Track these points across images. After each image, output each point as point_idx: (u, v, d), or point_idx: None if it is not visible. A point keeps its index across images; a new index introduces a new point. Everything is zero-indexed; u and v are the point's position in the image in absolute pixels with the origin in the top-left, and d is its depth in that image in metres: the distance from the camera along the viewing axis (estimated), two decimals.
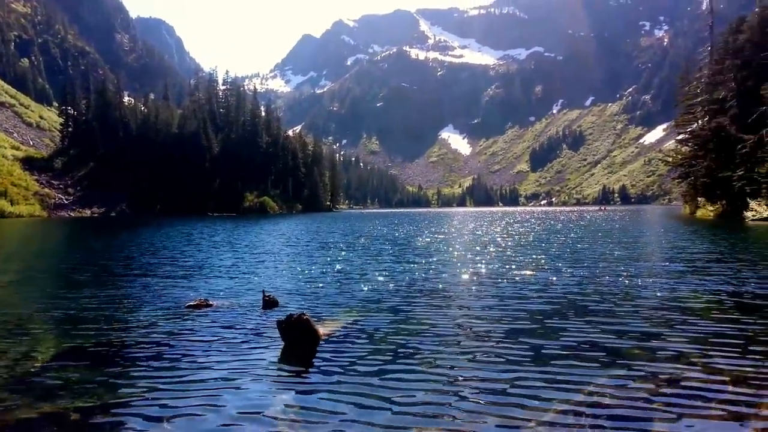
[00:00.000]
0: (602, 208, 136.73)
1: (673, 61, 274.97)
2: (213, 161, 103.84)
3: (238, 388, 5.00)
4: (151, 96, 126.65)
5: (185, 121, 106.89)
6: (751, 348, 5.90)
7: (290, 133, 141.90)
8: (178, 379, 5.28)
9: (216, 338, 6.92)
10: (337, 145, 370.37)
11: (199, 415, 4.40)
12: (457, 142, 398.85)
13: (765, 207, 38.26)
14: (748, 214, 40.21)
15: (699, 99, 54.51)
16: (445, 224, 45.12)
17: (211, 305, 9.13)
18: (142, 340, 6.87)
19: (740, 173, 41.85)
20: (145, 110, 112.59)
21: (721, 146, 46.20)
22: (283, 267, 14.67)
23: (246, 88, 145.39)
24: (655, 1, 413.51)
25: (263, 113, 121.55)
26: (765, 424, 3.94)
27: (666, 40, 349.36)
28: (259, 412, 4.43)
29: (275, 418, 4.31)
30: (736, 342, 6.14)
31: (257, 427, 4.17)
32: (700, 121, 54.45)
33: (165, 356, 6.11)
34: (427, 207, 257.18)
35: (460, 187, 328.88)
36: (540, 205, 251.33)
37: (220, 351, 6.32)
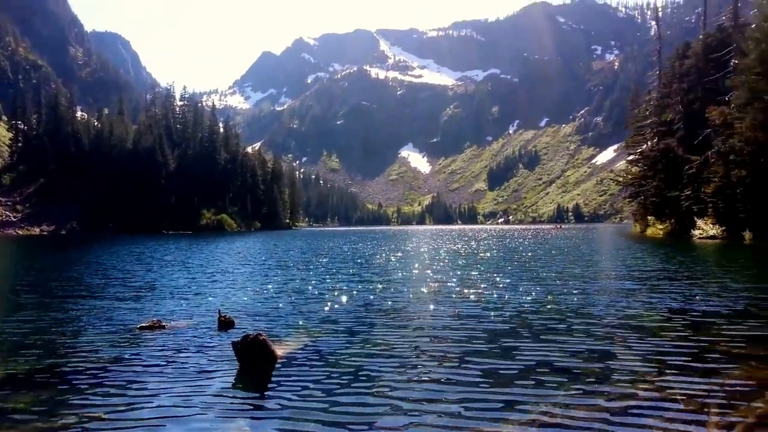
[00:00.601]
0: (558, 226, 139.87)
1: (623, 84, 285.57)
2: (169, 178, 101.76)
3: (189, 416, 4.80)
4: (106, 111, 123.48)
5: (140, 137, 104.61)
6: (699, 365, 6.06)
7: (249, 150, 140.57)
8: (124, 407, 5.04)
9: (168, 361, 6.68)
10: (297, 162, 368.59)
11: None
12: (416, 160, 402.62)
13: (711, 225, 39.81)
14: (696, 232, 41.77)
15: (648, 121, 56.68)
16: (404, 242, 45.25)
17: (164, 326, 8.86)
18: (88, 365, 6.56)
19: (688, 193, 43.51)
20: (99, 125, 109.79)
21: (670, 167, 48.02)
22: (239, 287, 14.36)
23: (204, 104, 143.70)
24: (606, 27, 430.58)
25: (221, 129, 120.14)
26: None
27: (617, 64, 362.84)
28: None
29: None
30: (686, 360, 6.30)
31: None
32: (649, 143, 56.58)
33: (111, 382, 5.84)
34: (387, 225, 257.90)
35: (419, 205, 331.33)
36: (498, 223, 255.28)
37: (172, 375, 6.09)
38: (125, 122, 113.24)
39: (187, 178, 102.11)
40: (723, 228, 38.03)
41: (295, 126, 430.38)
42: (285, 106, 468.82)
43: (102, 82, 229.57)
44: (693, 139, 42.81)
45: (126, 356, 6.98)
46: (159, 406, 5.07)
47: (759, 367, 5.87)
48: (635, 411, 4.61)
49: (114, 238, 57.08)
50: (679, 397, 4.88)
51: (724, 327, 8.15)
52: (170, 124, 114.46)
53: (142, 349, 7.32)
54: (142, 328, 8.76)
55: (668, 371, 5.79)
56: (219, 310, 9.32)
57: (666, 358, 6.36)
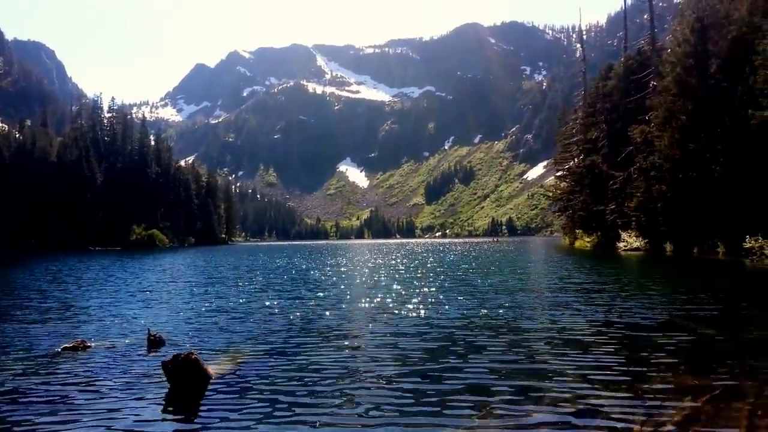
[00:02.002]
0: (496, 239, 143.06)
1: (551, 103, 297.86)
2: (96, 192, 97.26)
3: None
4: (28, 122, 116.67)
5: (66, 150, 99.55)
6: (626, 373, 6.32)
7: (183, 163, 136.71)
8: None
9: (94, 383, 6.33)
10: (233, 176, 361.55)
11: None
12: (354, 175, 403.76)
13: (635, 238, 41.93)
14: (621, 244, 43.86)
15: (575, 139, 59.34)
16: (342, 257, 45.07)
17: (89, 347, 8.42)
18: (6, 389, 6.10)
19: (612, 207, 45.70)
20: (21, 137, 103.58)
21: (595, 182, 50.34)
22: (168, 305, 13.83)
23: (134, 116, 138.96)
24: (535, 48, 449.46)
25: (153, 142, 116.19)
26: None
27: (545, 84, 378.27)
28: None
29: None
30: (613, 368, 6.55)
31: None
32: (576, 159, 59.19)
33: (33, 405, 5.47)
34: (325, 239, 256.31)
35: (358, 219, 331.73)
36: (435, 237, 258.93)
37: (99, 396, 5.77)
38: (49, 134, 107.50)
39: (115, 192, 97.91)
40: (646, 240, 40.12)
41: (230, 140, 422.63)
42: (220, 120, 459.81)
43: (24, 92, 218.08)
44: (616, 156, 45.05)
45: (48, 379, 6.56)
46: (85, 430, 4.77)
47: (680, 373, 6.18)
48: (564, 419, 4.73)
49: (35, 255, 53.77)
50: (606, 405, 5.05)
51: (648, 336, 8.55)
52: (98, 137, 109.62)
53: (66, 371, 6.91)
54: (65, 348, 8.28)
55: (596, 380, 5.99)
56: (148, 329, 8.94)
57: (594, 366, 6.58)
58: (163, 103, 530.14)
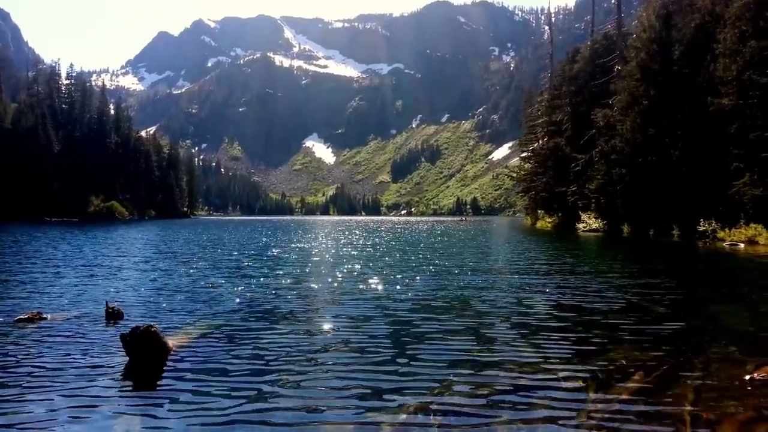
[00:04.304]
0: (462, 218, 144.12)
1: (518, 84, 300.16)
2: (53, 161, 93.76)
3: (74, 414, 4.43)
4: None
5: (21, 117, 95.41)
6: (582, 350, 6.50)
7: (143, 134, 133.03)
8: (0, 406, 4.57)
9: (50, 355, 6.18)
10: (196, 149, 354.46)
11: None
12: (321, 151, 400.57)
13: (594, 219, 42.97)
14: (580, 225, 44.89)
15: (540, 121, 60.05)
16: (307, 233, 44.90)
17: (45, 318, 8.19)
18: None
19: (573, 189, 46.64)
20: None
21: (558, 164, 51.20)
22: (126, 278, 13.56)
23: (93, 83, 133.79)
24: (504, 29, 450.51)
25: (112, 111, 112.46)
26: (584, 422, 4.29)
27: (513, 65, 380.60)
28: None
29: None
30: (569, 345, 6.73)
31: None
32: (540, 141, 60.00)
33: None
34: (290, 215, 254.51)
35: (323, 195, 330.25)
36: (401, 215, 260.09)
37: (55, 369, 5.62)
38: (3, 100, 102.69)
39: (73, 162, 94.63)
40: (604, 222, 41.16)
41: (194, 111, 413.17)
42: (183, 90, 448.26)
43: None
44: (580, 138, 45.81)
45: (2, 351, 6.36)
46: (41, 403, 4.66)
47: (632, 350, 6.39)
48: (520, 394, 4.84)
49: None
50: (561, 380, 5.19)
51: (603, 315, 8.80)
52: (55, 104, 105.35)
53: (21, 343, 6.71)
54: (20, 320, 8.04)
55: (552, 356, 6.14)
56: (106, 302, 8.74)
57: (549, 343, 6.74)
58: (123, 71, 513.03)
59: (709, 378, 5.26)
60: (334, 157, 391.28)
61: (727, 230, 27.99)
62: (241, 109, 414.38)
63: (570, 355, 6.14)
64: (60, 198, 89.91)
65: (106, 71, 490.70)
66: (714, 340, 6.91)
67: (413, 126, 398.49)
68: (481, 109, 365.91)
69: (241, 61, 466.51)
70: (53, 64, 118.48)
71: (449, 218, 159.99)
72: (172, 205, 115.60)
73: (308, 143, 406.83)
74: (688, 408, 4.42)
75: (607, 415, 4.30)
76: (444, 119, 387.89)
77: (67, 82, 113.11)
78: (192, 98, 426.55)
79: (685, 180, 30.89)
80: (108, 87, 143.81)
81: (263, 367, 5.68)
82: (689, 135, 31.01)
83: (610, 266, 17.05)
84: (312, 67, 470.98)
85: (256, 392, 4.89)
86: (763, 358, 5.85)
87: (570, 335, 7.15)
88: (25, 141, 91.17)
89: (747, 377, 5.10)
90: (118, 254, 20.94)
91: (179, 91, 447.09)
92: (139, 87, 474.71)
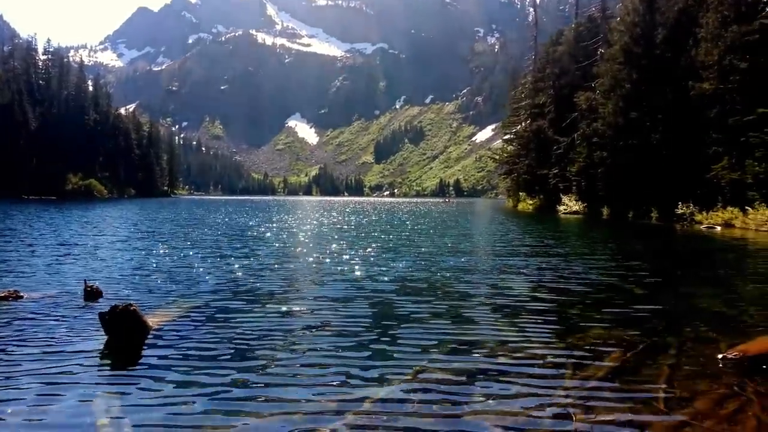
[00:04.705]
0: (448, 200, 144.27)
1: (503, 66, 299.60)
2: (30, 138, 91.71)
3: (51, 393, 4.36)
4: None
5: None
6: (560, 330, 6.58)
7: (123, 111, 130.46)
8: None
9: (28, 334, 6.09)
10: (177, 127, 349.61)
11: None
12: (304, 131, 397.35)
13: (574, 202, 43.37)
14: (561, 207, 45.29)
15: (523, 103, 60.08)
16: (289, 213, 44.71)
17: (22, 297, 8.06)
18: None
19: (555, 171, 46.95)
20: None
21: (540, 147, 51.43)
22: (104, 256, 13.38)
23: (71, 59, 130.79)
24: (488, 10, 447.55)
25: (91, 88, 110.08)
26: (561, 399, 4.34)
27: (497, 46, 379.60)
28: (76, 417, 3.91)
29: (94, 422, 3.83)
30: (548, 326, 6.81)
31: (77, 428, 3.67)
32: (523, 123, 60.08)
33: None
34: (273, 195, 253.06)
35: (306, 176, 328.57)
36: (383, 196, 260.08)
37: (32, 348, 5.54)
38: None
39: (51, 139, 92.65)
40: (584, 204, 41.57)
41: (174, 89, 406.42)
42: (163, 67, 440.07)
43: None
44: (562, 121, 46.00)
45: None
46: (16, 382, 4.57)
47: (610, 329, 6.47)
48: (499, 373, 4.87)
49: None
50: (540, 360, 5.24)
51: (583, 295, 8.91)
52: (32, 80, 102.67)
53: None
54: None
55: (532, 335, 6.21)
56: (85, 280, 8.62)
57: (530, 322, 6.81)
58: (102, 47, 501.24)
59: (683, 357, 5.35)
60: (318, 138, 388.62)
61: (704, 213, 28.45)
62: (222, 87, 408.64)
63: (549, 335, 6.20)
64: (37, 176, 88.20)
65: (84, 47, 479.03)
66: (689, 320, 7.03)
67: (397, 107, 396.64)
68: (464, 91, 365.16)
69: (223, 38, 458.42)
70: (30, 39, 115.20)
71: (432, 200, 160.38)
72: (152, 183, 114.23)
73: (291, 123, 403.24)
74: (663, 386, 4.49)
75: (583, 393, 4.35)
76: (428, 100, 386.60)
77: (44, 57, 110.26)
78: (172, 76, 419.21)
79: (664, 164, 31.22)
80: (86, 63, 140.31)
81: (243, 347, 5.65)
82: (670, 119, 31.28)
83: (589, 248, 17.24)
84: (295, 46, 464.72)
85: (236, 372, 4.86)
86: (735, 337, 5.96)
87: (549, 316, 7.22)
88: (0, 117, 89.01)
89: (720, 356, 5.20)
90: (96, 233, 20.64)
91: (159, 68, 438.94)
92: (118, 63, 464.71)
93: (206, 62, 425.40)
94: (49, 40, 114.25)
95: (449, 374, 4.80)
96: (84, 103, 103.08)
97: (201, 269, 11.34)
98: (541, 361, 5.18)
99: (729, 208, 26.94)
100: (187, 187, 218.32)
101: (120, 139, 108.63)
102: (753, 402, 4.14)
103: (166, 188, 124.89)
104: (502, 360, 5.20)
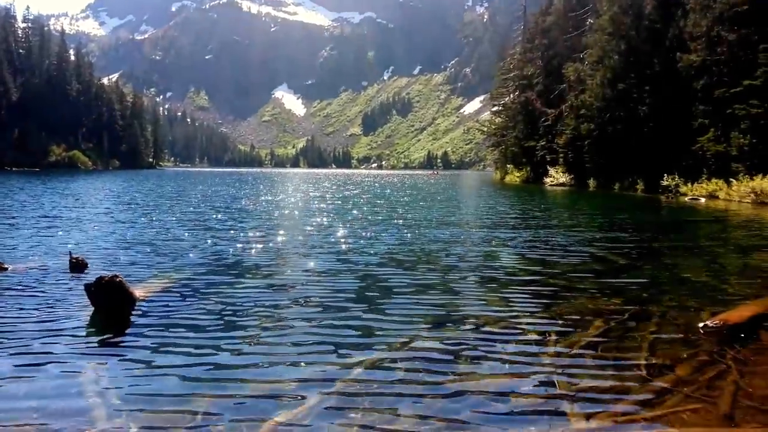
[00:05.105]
0: (435, 172, 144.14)
1: (491, 37, 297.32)
2: (11, 109, 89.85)
3: (37, 363, 4.34)
4: None
5: None
6: (544, 301, 6.66)
7: (105, 81, 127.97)
8: None
9: (11, 306, 6.01)
10: (161, 97, 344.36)
11: None
12: (291, 102, 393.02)
13: (561, 174, 43.52)
14: (548, 180, 45.47)
15: (512, 74, 59.57)
16: (275, 186, 44.49)
17: (5, 268, 7.95)
18: None
19: (543, 143, 46.97)
20: None
21: (528, 118, 51.31)
22: (90, 229, 13.25)
23: (52, 27, 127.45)
24: None
25: (72, 57, 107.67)
26: (545, 368, 4.41)
27: (486, 17, 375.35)
28: (64, 389, 3.89)
29: (82, 393, 3.81)
30: (533, 297, 6.88)
31: (62, 403, 3.64)
32: (511, 95, 59.73)
33: None
34: (259, 167, 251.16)
35: (293, 148, 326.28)
36: (371, 168, 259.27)
37: (16, 320, 5.48)
38: None
39: (32, 109, 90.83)
40: (571, 176, 41.74)
41: (158, 58, 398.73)
42: (146, 36, 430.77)
43: None
44: (550, 93, 45.84)
45: None
46: (2, 353, 4.55)
47: (594, 299, 6.55)
48: (484, 345, 4.91)
49: None
50: (525, 331, 5.28)
51: (568, 266, 8.98)
52: (11, 49, 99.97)
53: None
54: None
55: (517, 305, 6.27)
56: (70, 252, 8.51)
57: (516, 293, 6.88)
58: (83, 15, 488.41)
59: (665, 326, 5.44)
60: (305, 109, 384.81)
61: (689, 185, 28.72)
62: (207, 57, 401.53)
63: (534, 306, 6.26)
64: (19, 147, 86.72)
65: (65, 15, 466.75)
66: (672, 290, 7.13)
67: (385, 78, 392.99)
68: (453, 62, 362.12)
69: (207, 6, 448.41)
70: (8, 6, 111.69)
71: (420, 172, 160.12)
72: (136, 155, 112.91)
73: (278, 94, 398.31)
74: (645, 353, 4.56)
75: (567, 361, 4.41)
76: (416, 71, 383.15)
77: (24, 25, 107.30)
78: (156, 45, 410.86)
79: (651, 135, 31.34)
80: (67, 32, 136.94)
81: (231, 319, 5.64)
82: (658, 91, 31.29)
83: (575, 220, 17.36)
84: (281, 14, 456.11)
85: (223, 343, 4.86)
86: (717, 306, 6.06)
87: (535, 287, 7.29)
88: None
89: (701, 325, 5.28)
90: (79, 205, 20.41)
91: (142, 37, 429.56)
92: (100, 32, 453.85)
93: (190, 31, 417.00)
94: (28, 8, 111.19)
95: (436, 345, 4.84)
96: (66, 73, 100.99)
97: (187, 242, 11.27)
98: (526, 331, 5.24)
99: (713, 180, 27.20)
100: (172, 159, 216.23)
101: (103, 109, 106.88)
102: (731, 369, 4.23)
103: (151, 160, 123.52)
104: (487, 330, 5.25)
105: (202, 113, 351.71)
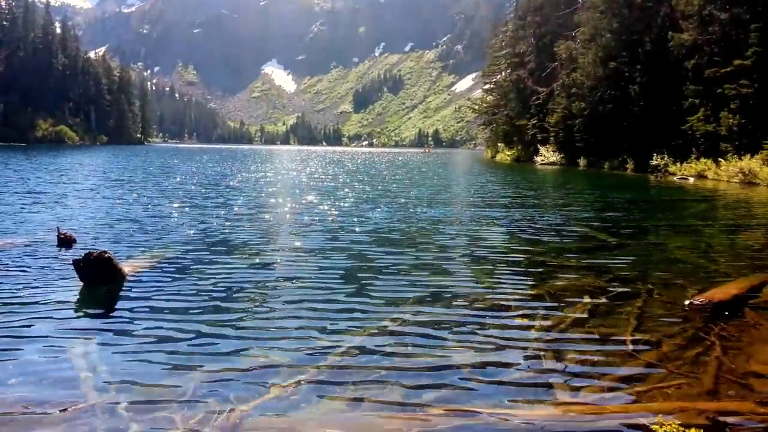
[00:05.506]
0: (427, 149, 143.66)
1: (484, 14, 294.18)
2: None
3: (26, 337, 4.33)
4: None
5: None
6: (531, 280, 6.72)
7: (92, 55, 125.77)
8: None
9: (1, 281, 5.94)
10: (149, 72, 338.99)
11: None
12: (281, 78, 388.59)
13: (552, 153, 43.55)
14: (538, 158, 45.50)
15: (503, 52, 59.13)
16: (265, 163, 44.21)
17: None
18: None
19: (534, 122, 46.88)
20: None
21: (520, 97, 51.13)
22: (77, 205, 13.13)
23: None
24: None
25: (58, 30, 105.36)
26: (534, 344, 4.46)
27: None
28: (54, 364, 3.88)
29: (71, 367, 3.81)
30: (520, 275, 6.94)
31: (51, 377, 3.64)
32: (503, 73, 59.37)
33: None
34: (249, 144, 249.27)
35: (284, 124, 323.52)
36: (362, 146, 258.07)
37: (5, 297, 5.44)
38: None
39: (17, 83, 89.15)
40: (562, 155, 41.79)
41: (145, 32, 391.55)
42: (133, 9, 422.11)
43: None
44: (542, 71, 45.63)
45: None
46: None
47: (581, 277, 6.60)
48: (475, 315, 4.98)
49: None
50: (513, 308, 5.32)
51: (557, 244, 9.06)
52: None
53: None
54: None
55: (506, 282, 6.33)
56: (57, 228, 8.43)
57: (505, 271, 6.93)
58: None
59: (652, 303, 5.50)
60: (295, 85, 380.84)
61: (678, 165, 28.87)
62: (195, 31, 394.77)
63: (523, 284, 6.31)
64: (4, 122, 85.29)
65: None
66: (659, 268, 7.20)
67: (376, 54, 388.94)
68: (444, 39, 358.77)
69: None
70: None
71: (411, 150, 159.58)
72: (124, 131, 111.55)
73: (267, 69, 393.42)
74: (631, 330, 4.62)
75: (555, 337, 4.46)
76: (408, 48, 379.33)
77: None
78: (143, 18, 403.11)
79: (641, 115, 31.37)
80: (52, 4, 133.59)
81: (220, 296, 5.62)
82: (649, 70, 31.23)
83: (565, 199, 17.44)
84: None
85: (212, 320, 4.86)
86: (703, 285, 6.14)
87: (524, 266, 7.34)
88: None
89: (687, 302, 5.35)
90: (66, 181, 20.18)
91: (129, 10, 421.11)
92: (86, 5, 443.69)
93: (178, 4, 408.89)
94: None
95: (425, 320, 4.87)
96: (52, 47, 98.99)
97: (176, 219, 11.20)
98: (514, 308, 5.29)
99: (702, 160, 27.35)
100: (161, 135, 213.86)
101: (90, 84, 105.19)
102: (715, 345, 4.30)
103: (139, 136, 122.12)
104: (477, 308, 5.28)
105: (190, 88, 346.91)
